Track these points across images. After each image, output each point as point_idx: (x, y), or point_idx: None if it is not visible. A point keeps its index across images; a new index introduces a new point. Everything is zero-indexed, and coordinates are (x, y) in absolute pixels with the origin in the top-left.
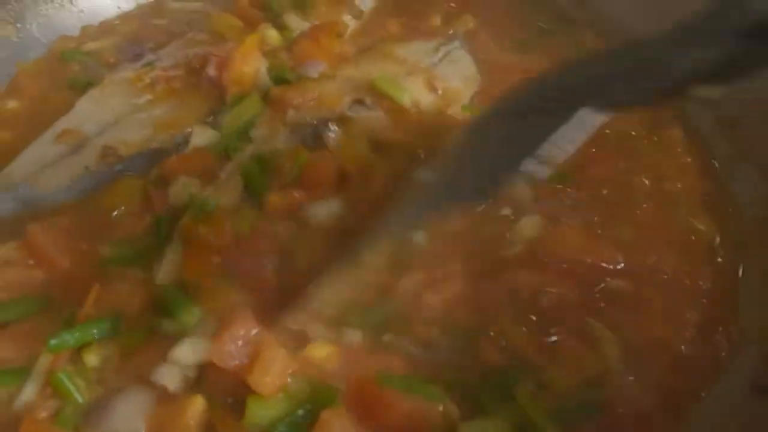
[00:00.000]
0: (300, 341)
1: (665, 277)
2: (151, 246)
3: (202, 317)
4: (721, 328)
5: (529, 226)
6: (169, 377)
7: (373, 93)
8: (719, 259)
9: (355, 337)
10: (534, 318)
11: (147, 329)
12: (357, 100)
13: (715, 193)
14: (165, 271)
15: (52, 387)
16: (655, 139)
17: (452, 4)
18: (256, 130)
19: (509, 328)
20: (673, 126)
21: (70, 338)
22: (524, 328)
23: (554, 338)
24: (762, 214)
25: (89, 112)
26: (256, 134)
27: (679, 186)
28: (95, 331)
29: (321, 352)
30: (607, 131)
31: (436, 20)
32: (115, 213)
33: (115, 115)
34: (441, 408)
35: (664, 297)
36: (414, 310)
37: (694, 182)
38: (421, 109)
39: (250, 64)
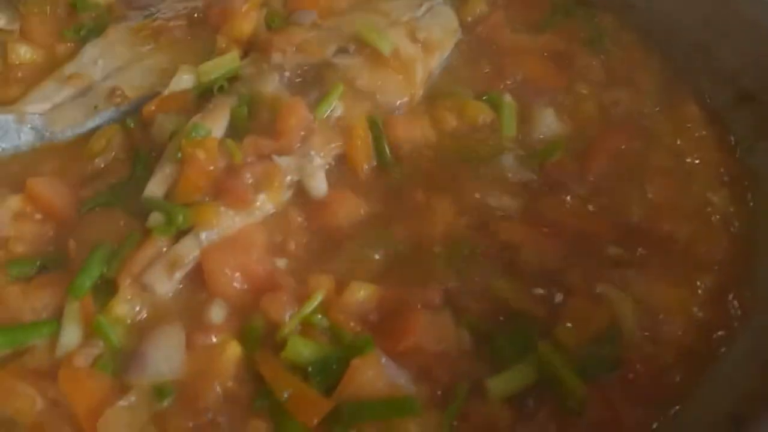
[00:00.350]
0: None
1: (678, 245)
2: (131, 184)
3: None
4: (733, 293)
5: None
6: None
7: (357, 41)
8: (733, 229)
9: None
10: (527, 275)
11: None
12: (341, 48)
13: (732, 166)
14: (156, 185)
15: (92, 333)
16: (670, 115)
17: None
18: (244, 68)
19: (497, 281)
20: (689, 103)
21: (83, 281)
22: (515, 284)
23: (559, 297)
24: None
25: (95, 59)
26: (243, 72)
27: (695, 161)
28: (95, 269)
29: (362, 293)
30: (617, 110)
31: None
32: (100, 161)
33: (119, 62)
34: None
35: (677, 264)
36: None
37: (711, 157)
38: (401, 59)
39: (250, 22)
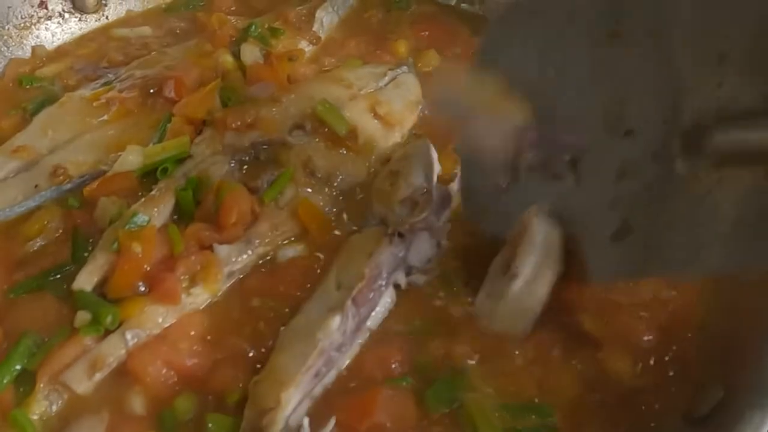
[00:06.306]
0: None
1: None
2: (67, 270)
3: None
4: None
5: None
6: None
7: (314, 119)
8: None
9: None
10: None
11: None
12: (297, 125)
13: None
14: (86, 277)
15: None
16: None
17: (424, 33)
18: (196, 147)
19: None
20: None
21: (1, 375)
22: None
23: None
24: None
25: (45, 129)
26: (195, 151)
27: None
28: (15, 363)
29: None
30: None
31: (402, 48)
32: (36, 243)
33: (69, 133)
34: None
35: None
36: None
37: None
38: (360, 138)
39: (205, 105)
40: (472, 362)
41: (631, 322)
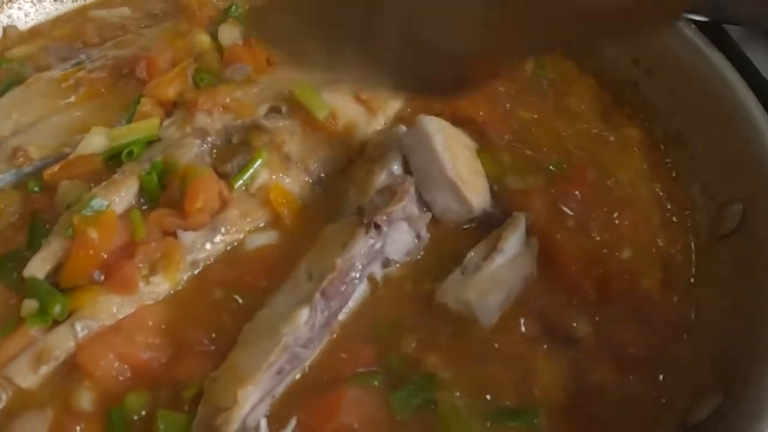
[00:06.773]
0: None
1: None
2: (20, 257)
3: None
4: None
5: None
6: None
7: (291, 102)
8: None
9: None
10: None
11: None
12: (273, 108)
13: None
14: (38, 263)
15: None
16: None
17: None
18: (165, 129)
19: None
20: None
21: None
22: None
23: None
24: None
25: (9, 111)
26: (164, 134)
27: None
28: None
29: None
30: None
31: None
32: None
33: (35, 115)
34: None
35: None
36: None
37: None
38: (340, 122)
39: (176, 86)
40: (447, 361)
41: (623, 327)
